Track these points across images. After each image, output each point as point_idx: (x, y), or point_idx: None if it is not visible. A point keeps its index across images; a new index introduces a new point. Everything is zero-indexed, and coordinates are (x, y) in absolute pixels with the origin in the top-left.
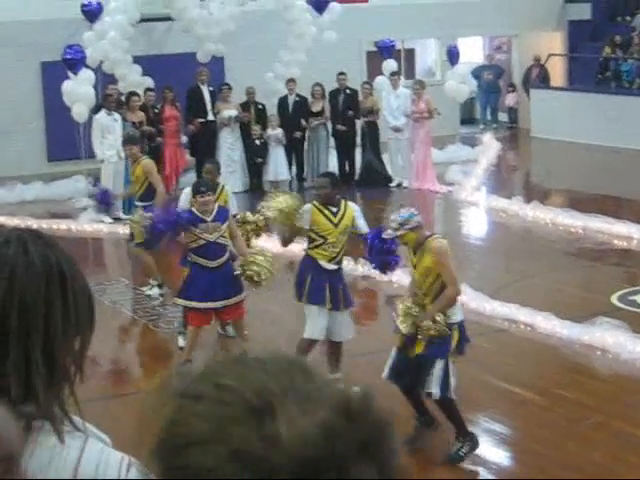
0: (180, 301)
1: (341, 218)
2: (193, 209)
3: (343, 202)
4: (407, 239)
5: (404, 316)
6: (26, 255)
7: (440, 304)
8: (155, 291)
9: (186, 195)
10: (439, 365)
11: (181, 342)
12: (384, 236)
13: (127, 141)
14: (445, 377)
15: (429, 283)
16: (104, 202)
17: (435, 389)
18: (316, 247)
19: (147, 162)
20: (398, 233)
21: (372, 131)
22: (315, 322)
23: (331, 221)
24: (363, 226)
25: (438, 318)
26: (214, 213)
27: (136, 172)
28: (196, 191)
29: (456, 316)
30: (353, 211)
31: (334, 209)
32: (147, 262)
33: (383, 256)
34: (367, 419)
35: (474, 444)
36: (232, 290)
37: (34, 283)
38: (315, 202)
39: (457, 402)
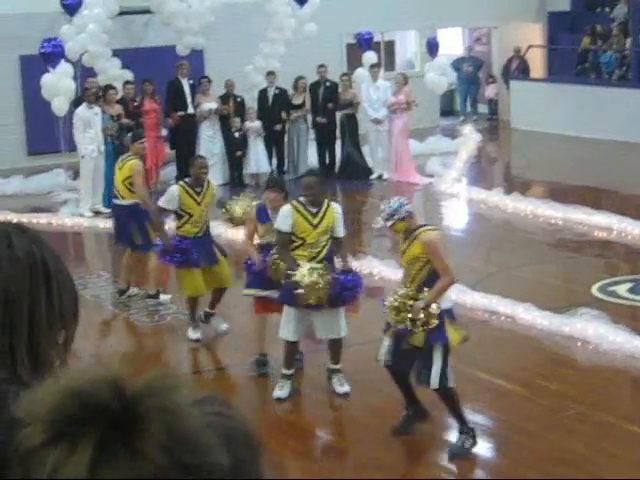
0: (247, 291)
1: (321, 219)
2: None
3: (325, 202)
4: (397, 228)
5: (391, 309)
6: (10, 248)
7: (434, 292)
8: (166, 297)
9: (172, 193)
10: (438, 353)
11: (192, 334)
12: (374, 225)
13: (138, 136)
14: (444, 366)
15: (415, 270)
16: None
17: (434, 379)
18: (296, 248)
19: (135, 163)
20: (388, 224)
21: (351, 124)
22: (288, 324)
23: (310, 222)
24: (340, 231)
25: (434, 306)
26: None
27: (123, 170)
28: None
29: (444, 304)
30: (334, 212)
31: (314, 210)
32: (152, 267)
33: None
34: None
35: (474, 439)
36: None
37: (18, 276)
38: (295, 202)
39: (435, 393)
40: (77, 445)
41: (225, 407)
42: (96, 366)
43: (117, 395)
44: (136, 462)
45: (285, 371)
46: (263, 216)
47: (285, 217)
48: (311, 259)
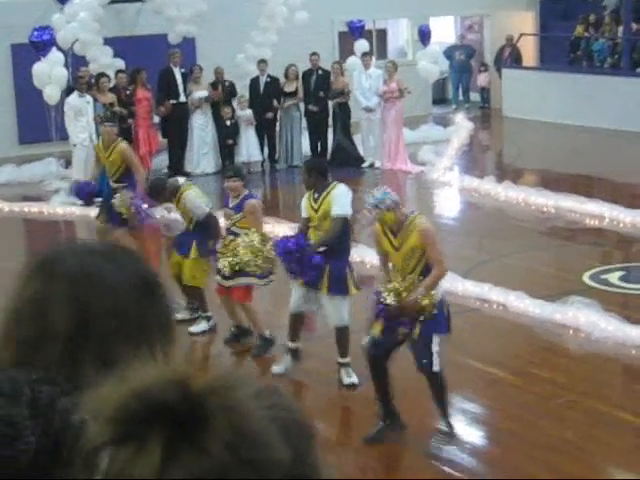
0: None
1: (320, 204)
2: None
3: (330, 186)
4: (386, 220)
5: (390, 291)
6: (111, 264)
7: (428, 283)
8: None
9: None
10: (436, 340)
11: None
12: (359, 217)
13: (105, 119)
14: (440, 351)
15: (413, 264)
16: (83, 195)
17: (436, 366)
18: (309, 229)
19: (125, 147)
20: (374, 214)
21: (343, 112)
22: (292, 296)
23: (312, 207)
24: (337, 208)
25: (432, 293)
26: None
27: (112, 156)
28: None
29: (439, 293)
30: (332, 195)
31: (316, 195)
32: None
33: (293, 264)
34: None
35: (452, 437)
36: None
37: (125, 293)
38: None
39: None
40: (145, 445)
41: (281, 397)
42: (161, 366)
43: (182, 395)
44: (203, 461)
45: (286, 343)
46: (226, 203)
47: (302, 203)
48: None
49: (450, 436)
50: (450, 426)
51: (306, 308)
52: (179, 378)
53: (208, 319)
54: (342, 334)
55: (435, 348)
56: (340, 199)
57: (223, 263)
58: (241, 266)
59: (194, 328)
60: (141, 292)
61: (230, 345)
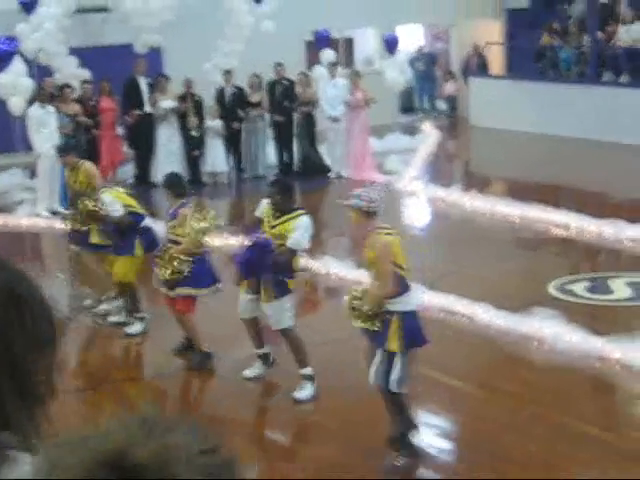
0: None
1: (279, 224)
2: None
3: (295, 213)
4: (352, 214)
5: (350, 310)
6: None
7: (372, 300)
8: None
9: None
10: (378, 355)
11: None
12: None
13: (61, 150)
14: (387, 368)
15: (375, 273)
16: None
17: (375, 379)
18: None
19: (89, 167)
20: (348, 202)
21: (308, 122)
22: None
23: (269, 221)
24: (293, 241)
25: (371, 311)
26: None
27: (79, 178)
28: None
29: (395, 306)
30: (295, 224)
31: (278, 213)
32: (102, 273)
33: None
34: None
35: (410, 453)
36: None
37: None
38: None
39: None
40: None
41: (212, 442)
42: (98, 435)
43: (117, 471)
44: None
45: (254, 350)
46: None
47: (260, 207)
48: None
49: (396, 466)
50: (405, 451)
51: (255, 314)
52: (116, 451)
53: (142, 319)
54: (286, 337)
55: (377, 360)
56: (300, 232)
57: (162, 272)
58: (178, 276)
59: (129, 330)
60: (7, 309)
61: (180, 355)
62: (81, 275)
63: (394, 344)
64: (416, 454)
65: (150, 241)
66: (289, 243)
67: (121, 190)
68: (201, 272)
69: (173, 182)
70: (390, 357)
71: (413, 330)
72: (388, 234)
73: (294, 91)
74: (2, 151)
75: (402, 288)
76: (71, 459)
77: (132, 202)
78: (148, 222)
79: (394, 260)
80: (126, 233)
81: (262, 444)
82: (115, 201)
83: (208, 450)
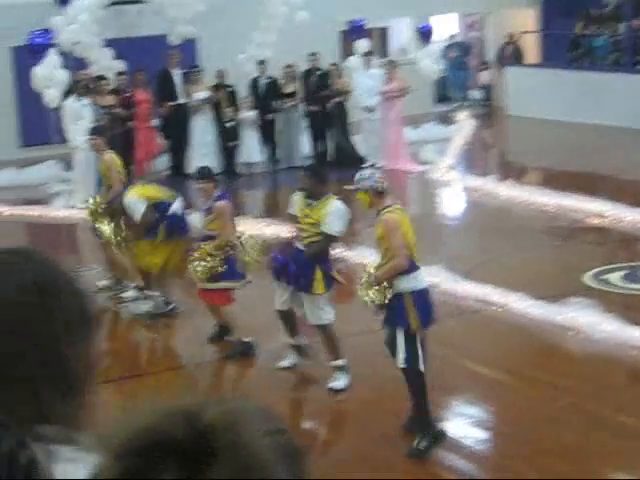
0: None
1: (313, 212)
2: None
3: (327, 198)
4: (359, 197)
5: (365, 289)
6: (12, 274)
7: (383, 271)
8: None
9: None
10: (400, 334)
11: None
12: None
13: (91, 133)
14: (410, 347)
15: (383, 251)
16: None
17: (401, 359)
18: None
19: (109, 158)
20: (351, 187)
21: (340, 112)
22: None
23: (304, 211)
24: (328, 225)
25: (383, 285)
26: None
27: (101, 166)
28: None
29: (404, 284)
30: (327, 210)
31: (311, 201)
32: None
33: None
34: None
35: (432, 440)
36: None
37: (14, 302)
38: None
39: (430, 385)
40: None
41: (278, 422)
42: (169, 398)
43: (190, 431)
44: None
45: (288, 340)
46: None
47: (294, 200)
48: (301, 240)
49: (417, 449)
50: (425, 435)
51: (290, 306)
52: (187, 412)
53: (151, 297)
54: (322, 331)
55: (399, 341)
56: (334, 218)
57: (195, 268)
58: (214, 270)
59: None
60: (34, 300)
61: (214, 343)
62: (113, 266)
63: (413, 322)
64: (438, 438)
65: (176, 227)
66: (323, 228)
67: (147, 184)
68: (233, 265)
69: (205, 175)
70: (413, 336)
71: (427, 308)
72: (397, 210)
73: (328, 81)
74: (38, 143)
75: (410, 266)
76: (146, 417)
77: (157, 193)
78: (176, 208)
79: (403, 237)
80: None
81: (297, 434)
82: (137, 201)
83: (277, 430)
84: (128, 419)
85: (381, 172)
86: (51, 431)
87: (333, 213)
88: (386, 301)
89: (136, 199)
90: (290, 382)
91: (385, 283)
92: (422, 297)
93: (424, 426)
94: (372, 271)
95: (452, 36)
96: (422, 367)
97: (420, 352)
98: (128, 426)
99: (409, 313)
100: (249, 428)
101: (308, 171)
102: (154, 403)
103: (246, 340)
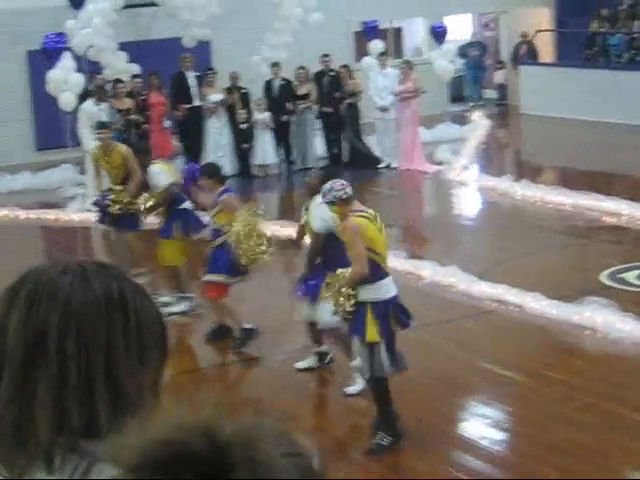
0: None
1: (306, 215)
2: None
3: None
4: (332, 210)
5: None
6: (85, 283)
7: (346, 279)
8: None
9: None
10: (355, 342)
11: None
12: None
13: (99, 127)
14: (366, 356)
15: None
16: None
17: (364, 369)
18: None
19: (123, 149)
20: (326, 200)
21: (353, 113)
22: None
23: (307, 209)
24: (314, 223)
25: (344, 291)
26: None
27: (111, 158)
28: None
29: (365, 294)
30: (310, 208)
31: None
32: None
33: None
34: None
35: (394, 436)
36: None
37: (92, 310)
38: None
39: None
40: None
41: (297, 444)
42: (187, 411)
43: (208, 445)
44: None
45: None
46: None
47: (302, 214)
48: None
49: (380, 445)
50: (386, 433)
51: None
52: (205, 427)
53: (188, 299)
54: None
55: (355, 348)
56: (316, 213)
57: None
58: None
59: (174, 308)
60: (108, 310)
61: (211, 342)
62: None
63: (372, 333)
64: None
65: (189, 224)
66: (313, 227)
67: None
68: (228, 259)
69: (212, 171)
70: (370, 346)
71: (385, 319)
72: (361, 216)
73: (340, 82)
74: (53, 147)
75: (374, 274)
76: (164, 430)
77: (177, 177)
78: (188, 204)
79: (367, 244)
80: (168, 214)
81: (314, 436)
82: (163, 171)
83: (296, 453)
84: (146, 431)
85: (344, 182)
86: (97, 447)
87: (315, 209)
88: (348, 308)
89: (163, 171)
90: (307, 384)
91: (350, 290)
92: (383, 309)
93: (387, 428)
94: (341, 277)
95: (473, 34)
96: (384, 373)
97: (381, 359)
98: (146, 439)
99: (366, 323)
100: (267, 447)
101: (312, 175)
102: (172, 414)
103: (248, 327)
